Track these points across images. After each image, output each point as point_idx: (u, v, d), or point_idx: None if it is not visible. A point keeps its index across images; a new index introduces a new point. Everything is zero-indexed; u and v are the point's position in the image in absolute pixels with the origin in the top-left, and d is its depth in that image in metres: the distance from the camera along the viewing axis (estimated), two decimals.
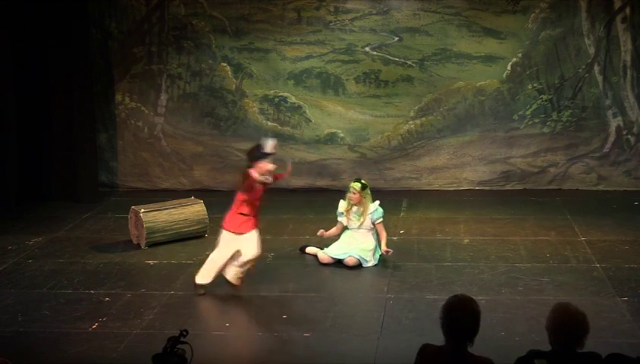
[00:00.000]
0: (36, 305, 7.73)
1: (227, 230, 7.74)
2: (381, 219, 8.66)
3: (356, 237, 8.67)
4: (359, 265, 8.56)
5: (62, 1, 11.09)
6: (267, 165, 7.61)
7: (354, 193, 8.58)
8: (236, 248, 7.70)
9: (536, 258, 8.77)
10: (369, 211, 8.62)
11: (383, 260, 8.77)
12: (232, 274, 7.78)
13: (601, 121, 11.61)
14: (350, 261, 8.54)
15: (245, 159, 7.91)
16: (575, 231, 9.68)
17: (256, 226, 7.79)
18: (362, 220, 8.62)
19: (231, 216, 7.76)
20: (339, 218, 8.79)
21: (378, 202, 8.75)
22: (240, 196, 7.73)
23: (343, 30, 11.71)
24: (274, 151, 7.67)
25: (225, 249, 7.73)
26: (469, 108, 11.76)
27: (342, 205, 8.75)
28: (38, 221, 10.63)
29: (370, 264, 8.59)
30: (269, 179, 7.68)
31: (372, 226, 8.66)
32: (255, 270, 7.99)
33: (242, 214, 7.71)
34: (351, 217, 8.67)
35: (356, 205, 8.62)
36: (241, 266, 7.75)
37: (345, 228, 8.76)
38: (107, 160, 12.19)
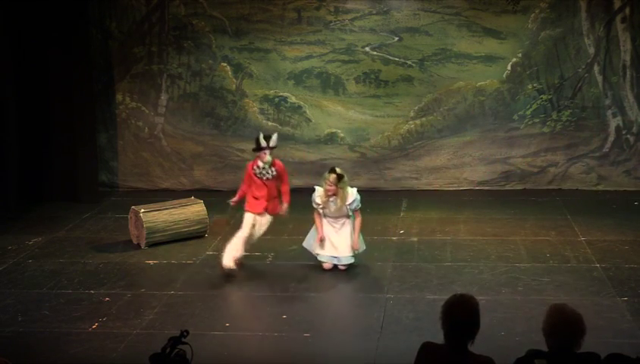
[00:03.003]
0: (36, 305, 7.73)
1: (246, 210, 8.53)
2: (359, 206, 8.46)
3: (338, 233, 8.47)
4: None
5: (63, 2, 11.10)
6: (264, 157, 8.41)
7: (330, 186, 8.28)
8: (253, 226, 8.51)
9: (536, 258, 8.78)
10: (347, 202, 8.37)
11: (383, 259, 8.78)
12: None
13: (601, 121, 11.62)
14: (342, 267, 8.53)
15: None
16: (575, 231, 9.68)
17: (267, 210, 8.59)
18: (339, 207, 8.36)
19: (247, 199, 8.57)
20: (314, 205, 8.48)
21: (355, 190, 8.50)
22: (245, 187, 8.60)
23: (343, 30, 11.71)
24: (267, 145, 8.40)
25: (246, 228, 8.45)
26: (469, 108, 11.76)
27: (319, 194, 8.43)
28: (38, 221, 10.64)
29: (361, 250, 8.54)
30: (264, 174, 8.47)
31: (350, 213, 8.47)
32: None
33: (254, 197, 8.51)
34: (329, 206, 8.40)
35: (332, 196, 8.35)
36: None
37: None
38: (107, 160, 12.20)
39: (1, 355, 4.71)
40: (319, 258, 8.58)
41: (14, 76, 10.97)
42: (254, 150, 8.48)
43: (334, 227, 8.50)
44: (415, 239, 9.60)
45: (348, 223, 8.51)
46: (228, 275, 8.38)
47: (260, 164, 8.41)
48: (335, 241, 8.49)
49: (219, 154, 12.14)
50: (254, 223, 8.52)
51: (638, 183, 11.64)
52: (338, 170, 8.42)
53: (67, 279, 8.45)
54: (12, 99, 10.95)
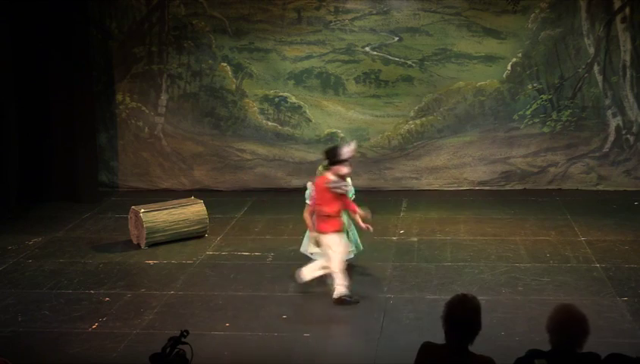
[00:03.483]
0: (36, 305, 7.74)
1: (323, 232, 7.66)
2: (354, 195, 8.33)
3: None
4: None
5: (62, 2, 11.10)
6: (341, 169, 7.62)
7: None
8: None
9: (536, 258, 8.78)
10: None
11: (383, 259, 8.79)
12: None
13: (601, 121, 11.62)
14: None
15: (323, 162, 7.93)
16: (575, 231, 9.68)
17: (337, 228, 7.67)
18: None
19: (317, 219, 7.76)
20: (309, 202, 8.18)
21: (349, 180, 8.29)
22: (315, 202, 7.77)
23: (343, 30, 11.71)
24: (350, 155, 7.70)
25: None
26: (469, 108, 11.76)
27: (312, 188, 8.13)
28: (38, 221, 10.64)
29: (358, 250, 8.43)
30: (343, 188, 7.63)
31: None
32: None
33: (325, 215, 7.65)
34: None
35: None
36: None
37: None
38: (107, 160, 12.20)
39: (1, 355, 4.72)
40: (315, 257, 8.50)
41: (14, 76, 10.98)
42: (333, 164, 7.61)
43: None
44: (415, 239, 9.60)
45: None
46: (231, 275, 8.41)
47: (333, 177, 7.62)
48: None
49: (219, 154, 12.14)
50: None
51: (638, 183, 11.64)
52: None
53: (67, 279, 8.45)
54: (13, 99, 10.95)
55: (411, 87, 11.77)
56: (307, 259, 8.76)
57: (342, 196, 7.68)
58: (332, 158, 7.64)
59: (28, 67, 11.21)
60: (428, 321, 6.81)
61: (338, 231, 7.66)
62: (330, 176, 7.64)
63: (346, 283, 7.59)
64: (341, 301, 7.55)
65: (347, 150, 7.65)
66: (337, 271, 7.60)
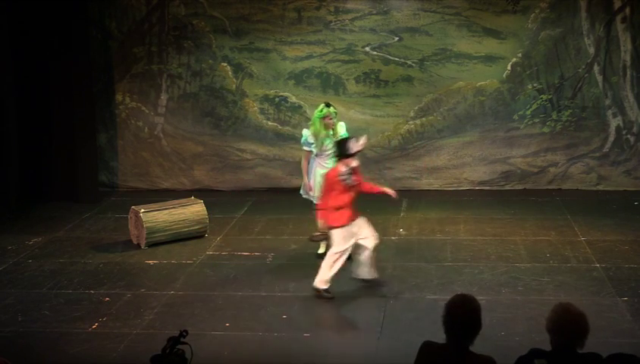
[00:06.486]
0: (36, 305, 7.73)
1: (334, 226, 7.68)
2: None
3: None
4: None
5: (62, 1, 11.09)
6: (351, 162, 7.69)
7: (330, 118, 8.52)
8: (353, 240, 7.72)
9: (536, 258, 8.77)
10: (342, 132, 8.56)
11: (383, 259, 8.79)
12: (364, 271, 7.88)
13: (601, 121, 11.62)
14: None
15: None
16: (575, 231, 9.68)
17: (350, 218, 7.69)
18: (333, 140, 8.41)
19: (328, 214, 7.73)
20: (306, 148, 8.65)
21: (343, 123, 8.73)
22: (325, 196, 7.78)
23: (344, 30, 11.72)
24: (359, 149, 7.73)
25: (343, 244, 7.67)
26: (469, 108, 11.76)
27: (308, 133, 8.62)
28: (38, 221, 10.64)
29: None
30: (349, 179, 7.64)
31: None
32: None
33: (336, 208, 7.67)
34: (323, 143, 8.54)
35: (329, 129, 8.55)
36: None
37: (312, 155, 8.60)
38: (107, 160, 12.20)
39: (1, 355, 4.71)
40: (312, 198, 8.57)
41: (14, 76, 10.97)
42: (343, 156, 7.68)
43: (324, 166, 8.45)
44: (415, 239, 9.60)
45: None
46: (231, 275, 8.43)
47: (344, 169, 7.66)
48: None
49: (219, 154, 12.14)
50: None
51: (638, 183, 11.64)
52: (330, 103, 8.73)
53: (67, 279, 8.44)
54: (12, 99, 10.95)
55: (411, 87, 11.77)
56: (308, 256, 8.79)
57: (351, 187, 7.71)
58: (342, 151, 7.70)
59: (28, 67, 11.20)
60: (428, 321, 6.81)
61: (344, 225, 7.63)
62: (341, 167, 7.67)
63: (327, 279, 7.67)
64: (318, 293, 7.70)
65: (356, 144, 7.69)
66: (326, 265, 7.68)
